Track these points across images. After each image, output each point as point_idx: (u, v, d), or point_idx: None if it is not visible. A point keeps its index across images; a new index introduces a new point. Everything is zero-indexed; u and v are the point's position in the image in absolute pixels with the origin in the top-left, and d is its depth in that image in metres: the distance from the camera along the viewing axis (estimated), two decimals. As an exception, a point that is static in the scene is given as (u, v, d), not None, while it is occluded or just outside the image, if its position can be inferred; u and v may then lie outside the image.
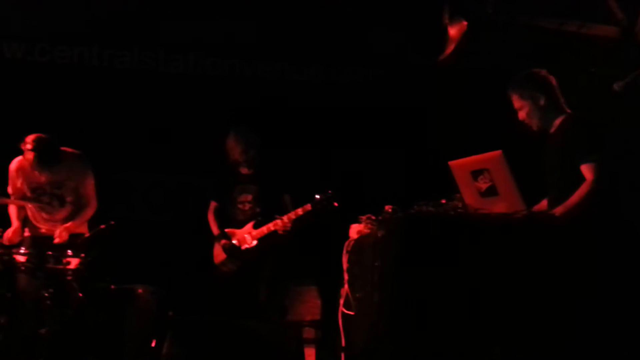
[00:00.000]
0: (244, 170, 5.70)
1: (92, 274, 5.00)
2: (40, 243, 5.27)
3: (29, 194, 5.36)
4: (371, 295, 3.80)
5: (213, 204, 5.78)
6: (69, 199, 5.43)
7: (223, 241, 5.62)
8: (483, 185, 3.95)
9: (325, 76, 6.99)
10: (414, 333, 3.57)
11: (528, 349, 3.58)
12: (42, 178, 5.31)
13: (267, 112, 6.55)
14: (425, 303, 3.57)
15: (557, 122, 4.16)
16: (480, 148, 3.99)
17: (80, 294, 4.86)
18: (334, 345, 4.19)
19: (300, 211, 5.40)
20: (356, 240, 4.07)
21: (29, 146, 5.15)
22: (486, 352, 3.55)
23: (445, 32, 5.60)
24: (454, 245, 3.62)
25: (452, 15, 5.57)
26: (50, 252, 4.94)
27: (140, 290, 5.18)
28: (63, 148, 5.35)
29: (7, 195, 5.34)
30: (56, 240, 5.21)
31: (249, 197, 5.67)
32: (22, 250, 4.93)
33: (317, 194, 5.36)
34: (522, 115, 4.21)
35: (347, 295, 4.04)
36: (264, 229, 5.51)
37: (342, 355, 4.08)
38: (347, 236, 4.14)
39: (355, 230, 4.10)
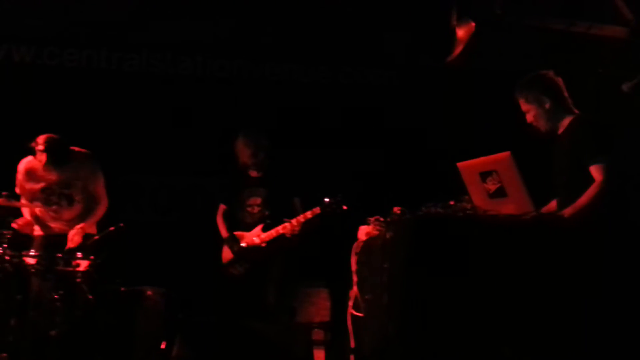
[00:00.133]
0: (253, 173, 5.70)
1: (102, 276, 5.02)
2: (51, 242, 5.29)
3: (38, 194, 5.39)
4: (380, 296, 3.80)
5: (222, 207, 5.78)
6: (77, 198, 5.45)
7: (232, 244, 5.62)
8: (492, 186, 3.95)
9: (334, 77, 7.00)
10: (423, 334, 3.57)
11: (537, 349, 3.57)
12: (49, 177, 5.33)
13: (276, 114, 6.56)
14: (434, 304, 3.57)
15: (565, 123, 4.16)
16: (489, 149, 3.99)
17: (90, 296, 4.87)
18: (343, 346, 4.19)
19: (309, 214, 5.40)
20: (365, 242, 4.07)
21: (40, 147, 5.18)
22: (495, 353, 3.55)
23: (454, 33, 5.59)
24: (463, 247, 3.62)
25: (460, 17, 5.57)
26: (60, 255, 4.96)
27: (149, 292, 5.20)
28: (73, 148, 5.37)
29: (17, 196, 5.36)
30: (70, 245, 5.23)
31: (258, 200, 5.67)
32: (32, 253, 4.95)
33: (326, 198, 5.36)
34: (529, 118, 4.21)
35: (356, 297, 4.04)
36: (272, 232, 5.52)
37: (352, 356, 4.08)
38: (355, 238, 4.14)
39: (363, 232, 4.10)
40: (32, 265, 4.84)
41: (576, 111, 4.18)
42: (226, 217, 5.75)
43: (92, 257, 4.98)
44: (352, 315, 4.05)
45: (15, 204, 5.19)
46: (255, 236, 5.59)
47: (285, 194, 5.63)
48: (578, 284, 3.64)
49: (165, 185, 6.78)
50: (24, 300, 4.74)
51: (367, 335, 3.97)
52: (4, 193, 4.84)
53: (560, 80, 4.20)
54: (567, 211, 3.91)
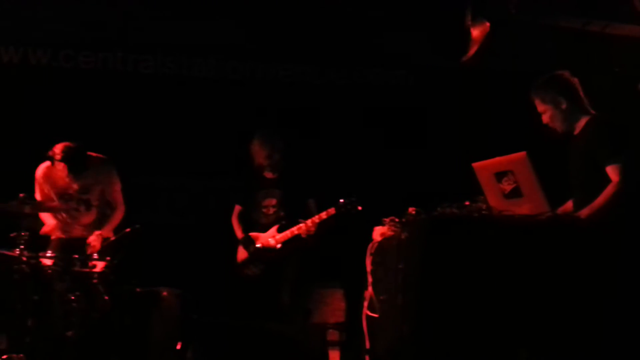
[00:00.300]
0: (269, 175, 5.70)
1: (118, 277, 5.04)
2: (68, 246, 5.32)
3: (56, 200, 5.42)
4: (395, 297, 3.80)
5: (237, 208, 5.80)
6: (95, 203, 5.49)
7: (247, 245, 5.63)
8: (507, 186, 3.93)
9: (349, 78, 6.99)
10: (438, 335, 3.56)
11: (553, 350, 3.56)
12: (67, 183, 5.37)
13: (290, 115, 6.56)
14: (449, 305, 3.56)
15: (582, 123, 4.14)
16: (504, 149, 3.98)
17: (106, 297, 4.89)
18: (358, 347, 4.19)
19: (324, 215, 5.41)
20: (380, 243, 4.06)
21: (58, 156, 5.21)
22: (511, 354, 3.54)
23: (468, 33, 5.58)
24: (478, 247, 3.61)
25: (475, 16, 5.56)
26: (76, 256, 4.99)
27: (165, 293, 5.21)
28: (89, 153, 5.40)
29: (34, 199, 5.38)
30: (90, 250, 5.26)
31: (273, 201, 5.68)
32: (49, 254, 4.98)
33: (341, 198, 5.37)
34: (545, 119, 4.19)
35: (371, 297, 4.04)
36: (288, 233, 5.52)
37: (367, 357, 4.08)
38: (370, 238, 4.14)
39: (378, 232, 4.10)
40: (49, 266, 4.87)
41: (592, 111, 4.16)
42: (241, 218, 5.76)
43: (108, 258, 5.00)
44: (367, 315, 4.05)
45: (33, 209, 5.21)
46: (270, 237, 5.60)
47: (300, 195, 5.63)
48: (594, 285, 3.62)
49: (181, 187, 6.80)
50: (41, 301, 4.76)
51: (382, 335, 3.97)
52: (20, 195, 4.87)
53: (576, 81, 4.18)
54: (584, 212, 3.89)
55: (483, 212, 3.87)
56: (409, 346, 3.64)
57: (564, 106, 4.12)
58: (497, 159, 4.00)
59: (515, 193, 3.91)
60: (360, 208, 5.34)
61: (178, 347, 5.12)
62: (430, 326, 3.58)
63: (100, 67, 6.67)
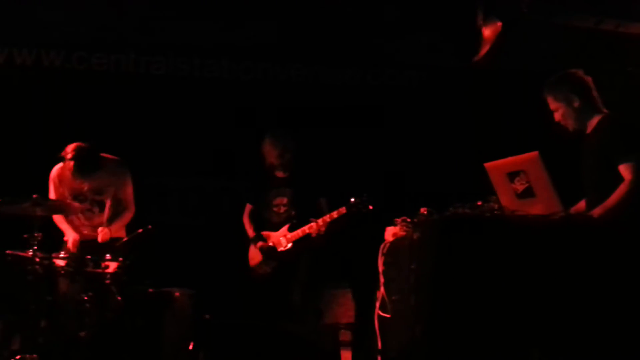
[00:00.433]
0: (280, 174, 5.72)
1: (130, 278, 5.05)
2: (82, 247, 5.34)
3: (70, 200, 5.44)
4: (407, 297, 3.79)
5: (248, 207, 5.81)
6: (108, 204, 5.51)
7: (259, 243, 5.65)
8: (519, 186, 3.92)
9: (360, 78, 6.99)
10: (450, 335, 3.55)
11: (566, 351, 3.54)
12: (83, 185, 5.39)
13: (302, 115, 6.57)
14: (461, 305, 3.55)
15: (594, 122, 4.12)
16: (516, 149, 3.97)
17: (119, 297, 4.91)
18: (371, 348, 4.19)
19: (335, 214, 5.42)
20: (392, 243, 4.06)
21: (69, 155, 5.23)
22: (524, 355, 3.52)
23: (480, 33, 5.57)
24: (491, 248, 3.60)
25: (486, 16, 5.54)
26: (89, 256, 5.01)
27: (177, 294, 5.22)
28: (103, 154, 5.42)
29: (47, 199, 5.41)
30: (100, 239, 5.29)
31: (284, 200, 5.70)
32: (62, 255, 5.01)
33: (352, 197, 5.37)
34: (557, 117, 4.17)
35: (383, 297, 4.03)
36: (299, 232, 5.54)
37: (379, 357, 4.07)
38: (382, 238, 4.13)
39: (390, 232, 4.10)
40: (61, 267, 4.89)
41: (605, 110, 4.14)
42: (253, 217, 5.78)
43: (121, 258, 5.02)
44: (379, 316, 4.04)
45: (47, 211, 5.23)
46: (281, 236, 5.62)
47: (311, 194, 5.65)
48: (608, 285, 3.60)
49: (193, 187, 6.82)
50: (54, 302, 4.79)
51: (394, 336, 3.96)
52: (34, 196, 4.89)
53: (589, 79, 4.16)
54: (597, 211, 3.87)
55: (495, 212, 3.86)
56: (421, 346, 3.63)
57: (576, 104, 4.11)
58: (510, 158, 3.99)
59: (528, 193, 3.90)
60: (371, 207, 5.34)
61: (190, 347, 5.12)
62: (442, 326, 3.57)
63: (112, 68, 6.70)
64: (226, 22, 6.70)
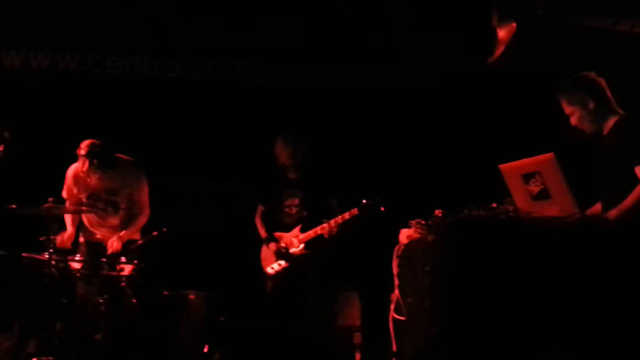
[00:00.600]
0: (292, 175, 5.73)
1: (145, 280, 5.07)
2: (95, 249, 5.37)
3: (84, 200, 5.47)
4: (422, 300, 3.78)
5: (260, 208, 5.83)
6: (123, 205, 5.53)
7: (271, 244, 5.66)
8: (535, 188, 3.90)
9: (373, 80, 6.98)
10: (465, 338, 3.54)
11: (584, 353, 3.51)
12: (96, 183, 5.40)
13: (314, 117, 6.57)
14: (476, 308, 3.53)
15: (610, 123, 4.09)
16: (532, 151, 3.94)
17: (134, 300, 4.93)
18: (383, 350, 4.18)
19: (347, 215, 5.42)
20: (406, 245, 4.05)
21: (83, 151, 5.26)
22: (541, 358, 3.50)
23: (495, 34, 5.54)
24: (506, 250, 3.58)
25: (501, 17, 5.52)
26: (104, 259, 5.03)
27: (192, 296, 5.24)
28: (118, 155, 5.44)
29: (62, 200, 5.45)
30: (110, 251, 5.31)
31: (296, 201, 5.71)
32: (78, 258, 5.04)
33: (364, 199, 5.37)
34: (573, 121, 4.14)
35: (397, 300, 4.02)
36: (310, 233, 5.55)
37: (393, 360, 4.07)
38: (394, 240, 4.12)
39: (405, 235, 4.09)
40: (77, 269, 4.92)
41: (620, 111, 4.11)
42: (265, 217, 5.80)
43: (135, 261, 5.04)
44: (394, 318, 4.03)
45: (61, 210, 5.26)
46: (293, 237, 5.63)
47: (322, 194, 5.65)
48: (624, 288, 3.57)
49: (208, 190, 6.84)
50: (70, 305, 4.81)
51: (409, 338, 3.95)
52: (49, 199, 4.92)
53: (602, 81, 4.13)
54: (613, 213, 3.84)
55: (510, 214, 3.85)
56: (436, 349, 3.62)
57: (591, 106, 4.08)
58: (525, 160, 3.97)
59: (543, 195, 3.88)
60: (383, 209, 5.34)
61: (205, 350, 5.13)
62: (457, 329, 3.55)
63: (127, 71, 6.75)
64: (240, 25, 6.72)
